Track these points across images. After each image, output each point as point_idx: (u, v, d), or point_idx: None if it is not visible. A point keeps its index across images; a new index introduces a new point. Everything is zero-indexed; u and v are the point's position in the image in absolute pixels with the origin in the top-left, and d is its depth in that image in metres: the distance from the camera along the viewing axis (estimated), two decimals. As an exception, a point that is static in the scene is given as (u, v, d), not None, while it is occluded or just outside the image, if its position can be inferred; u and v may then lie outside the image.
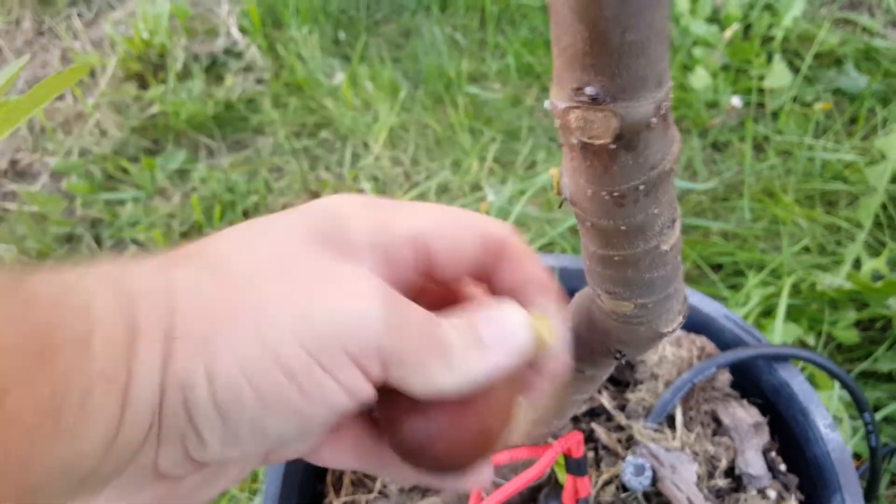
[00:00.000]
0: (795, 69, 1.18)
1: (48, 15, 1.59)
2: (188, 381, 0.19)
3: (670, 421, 0.53)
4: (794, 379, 0.54)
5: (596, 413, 0.55)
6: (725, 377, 0.56)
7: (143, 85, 1.39)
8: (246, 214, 1.11)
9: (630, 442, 0.52)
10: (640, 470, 0.48)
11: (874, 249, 0.91)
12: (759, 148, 1.10)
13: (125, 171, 1.20)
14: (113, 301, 0.18)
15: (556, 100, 0.20)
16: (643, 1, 0.16)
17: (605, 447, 0.52)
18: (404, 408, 0.23)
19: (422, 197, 1.09)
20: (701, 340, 0.57)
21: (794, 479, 0.51)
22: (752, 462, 0.50)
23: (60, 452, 0.17)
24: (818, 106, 1.11)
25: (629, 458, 0.49)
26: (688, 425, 0.52)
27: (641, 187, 0.21)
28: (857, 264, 0.88)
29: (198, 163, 1.22)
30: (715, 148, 1.12)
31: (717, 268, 0.92)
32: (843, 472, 0.50)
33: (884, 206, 0.94)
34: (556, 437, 0.43)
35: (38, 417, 0.16)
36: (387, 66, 1.34)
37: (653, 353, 0.56)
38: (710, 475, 0.50)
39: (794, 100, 1.15)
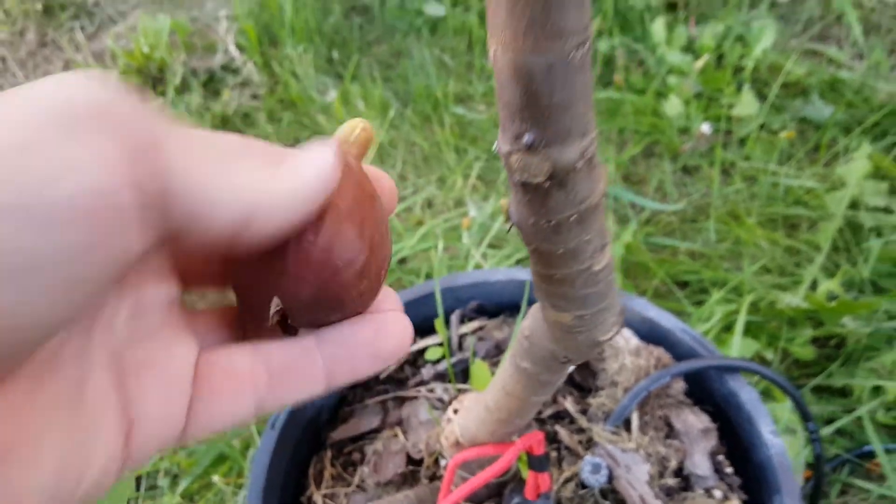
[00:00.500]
0: (763, 98, 1.24)
1: (51, 27, 1.63)
2: None
3: (627, 424, 0.57)
4: (742, 389, 0.59)
5: (560, 416, 0.59)
6: (680, 386, 0.61)
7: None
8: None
9: (590, 443, 0.56)
10: (597, 469, 0.53)
11: (830, 271, 0.97)
12: (726, 173, 1.16)
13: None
14: None
15: (502, 144, 0.24)
16: (567, 69, 0.20)
17: (567, 447, 0.56)
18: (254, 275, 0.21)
19: (408, 211, 1.14)
20: (658, 351, 0.61)
21: (737, 480, 0.56)
22: (700, 464, 0.55)
23: None
24: (783, 134, 1.18)
25: (587, 457, 0.54)
26: (643, 429, 0.57)
27: (573, 217, 0.25)
28: (815, 285, 0.94)
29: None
30: (685, 171, 1.18)
31: (684, 285, 0.97)
32: (784, 475, 0.54)
33: (841, 231, 1.00)
34: (520, 435, 0.48)
35: None
36: (378, 85, 1.39)
37: (613, 362, 0.61)
38: (661, 475, 0.54)
39: (762, 127, 1.21)
